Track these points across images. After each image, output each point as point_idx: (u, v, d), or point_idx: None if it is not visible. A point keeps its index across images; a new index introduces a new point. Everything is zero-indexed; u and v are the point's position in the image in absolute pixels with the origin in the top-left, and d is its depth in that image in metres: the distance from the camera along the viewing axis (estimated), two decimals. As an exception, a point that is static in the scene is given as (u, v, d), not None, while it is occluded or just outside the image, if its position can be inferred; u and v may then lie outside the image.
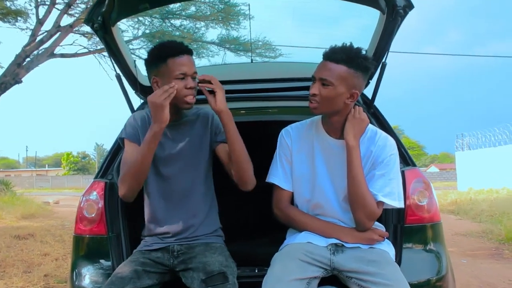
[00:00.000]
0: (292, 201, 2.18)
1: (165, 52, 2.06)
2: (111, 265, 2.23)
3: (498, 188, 17.88)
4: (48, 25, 10.77)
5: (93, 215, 2.31)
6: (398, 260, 2.16)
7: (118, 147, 2.52)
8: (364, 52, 2.00)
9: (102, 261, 2.28)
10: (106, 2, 2.21)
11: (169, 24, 8.85)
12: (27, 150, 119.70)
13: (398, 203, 2.03)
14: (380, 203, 2.01)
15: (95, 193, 2.33)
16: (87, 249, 2.32)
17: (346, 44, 1.98)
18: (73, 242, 2.38)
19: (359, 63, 1.95)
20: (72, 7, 10.32)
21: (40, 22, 10.52)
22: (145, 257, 2.11)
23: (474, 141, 22.80)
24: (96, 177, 2.47)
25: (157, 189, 2.19)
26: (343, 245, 2.03)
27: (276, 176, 2.16)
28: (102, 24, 2.34)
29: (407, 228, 2.23)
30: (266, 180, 2.18)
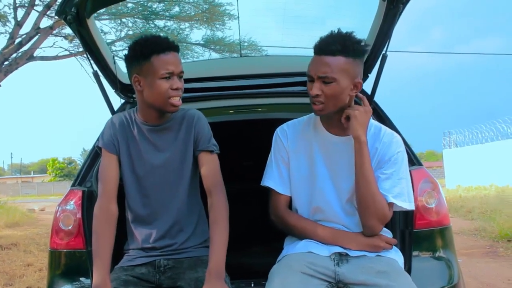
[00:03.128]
0: (290, 206, 2.00)
1: (149, 48, 1.84)
2: (90, 283, 2.02)
3: (486, 185, 18.00)
4: (27, 27, 10.53)
5: (69, 227, 2.11)
6: (408, 268, 2.01)
7: (97, 152, 2.32)
8: (354, 37, 1.80)
9: (81, 279, 2.10)
10: None
11: (152, 25, 8.67)
12: (12, 157, 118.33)
13: (409, 205, 1.85)
14: (390, 204, 1.82)
15: (72, 202, 2.14)
16: (64, 266, 2.14)
17: (334, 31, 1.79)
18: (49, 257, 2.18)
19: (356, 49, 1.77)
20: (51, 8, 10.05)
21: (18, 24, 10.26)
22: (127, 274, 1.90)
23: (461, 138, 22.99)
24: (73, 185, 2.27)
25: (138, 201, 1.98)
26: (347, 254, 1.85)
27: (272, 179, 1.97)
28: (76, 16, 2.13)
29: (416, 233, 2.07)
30: (261, 184, 2.00)
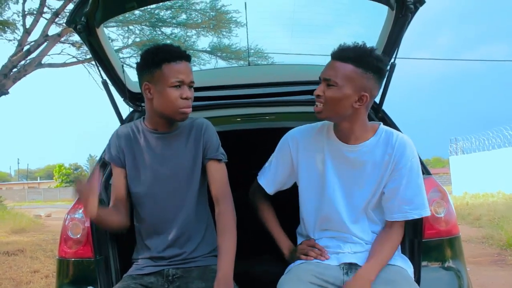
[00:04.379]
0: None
1: (160, 57, 1.86)
2: None
3: (493, 192, 17.87)
4: (35, 34, 10.60)
5: (78, 236, 2.10)
6: (417, 278, 1.99)
7: (104, 162, 2.32)
8: (377, 54, 1.80)
9: None
10: (90, 1, 2.01)
11: (159, 33, 8.70)
12: (18, 163, 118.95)
13: (427, 211, 1.88)
14: (401, 222, 1.87)
15: (80, 211, 2.13)
16: (72, 275, 2.12)
17: (358, 43, 1.79)
18: (57, 266, 2.17)
19: (369, 63, 1.75)
20: (60, 16, 10.13)
21: (27, 31, 10.34)
22: (136, 282, 1.90)
23: (468, 145, 22.86)
24: None
25: (147, 210, 1.98)
26: (356, 263, 1.85)
27: (265, 178, 2.06)
28: (85, 25, 2.14)
29: (425, 243, 2.05)
30: (258, 179, 2.07)
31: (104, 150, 2.06)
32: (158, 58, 1.85)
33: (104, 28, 2.36)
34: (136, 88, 2.61)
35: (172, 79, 1.84)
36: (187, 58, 1.89)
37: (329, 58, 1.83)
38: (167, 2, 4.36)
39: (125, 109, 2.75)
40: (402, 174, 1.84)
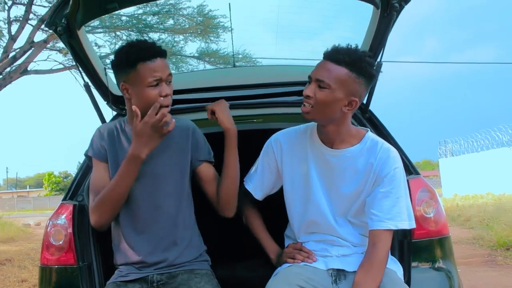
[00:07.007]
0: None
1: (134, 56, 1.78)
2: None
3: (483, 193, 18.00)
4: (21, 41, 10.51)
5: (60, 242, 2.06)
6: (407, 280, 1.96)
7: (88, 166, 2.26)
8: (370, 59, 1.77)
9: None
10: (70, 2, 1.96)
11: (147, 38, 8.65)
12: (7, 172, 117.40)
13: (409, 224, 1.80)
14: (389, 231, 1.78)
15: (63, 217, 2.08)
16: (55, 282, 2.07)
17: (351, 46, 1.76)
18: (39, 274, 2.12)
19: (363, 68, 1.72)
20: (45, 22, 10.05)
21: (12, 38, 10.24)
22: None
23: (457, 147, 23.02)
24: (64, 199, 2.21)
25: (129, 211, 1.92)
26: (344, 270, 1.82)
27: (253, 183, 2.02)
28: (66, 27, 2.09)
29: (415, 243, 2.02)
30: (245, 185, 2.02)
31: (87, 149, 1.99)
32: (132, 58, 1.78)
33: (91, 34, 2.31)
34: (119, 91, 2.56)
35: (149, 78, 1.77)
36: (162, 54, 1.82)
37: (316, 62, 1.80)
38: (154, 8, 4.32)
39: (109, 113, 2.70)
40: (383, 183, 1.79)
